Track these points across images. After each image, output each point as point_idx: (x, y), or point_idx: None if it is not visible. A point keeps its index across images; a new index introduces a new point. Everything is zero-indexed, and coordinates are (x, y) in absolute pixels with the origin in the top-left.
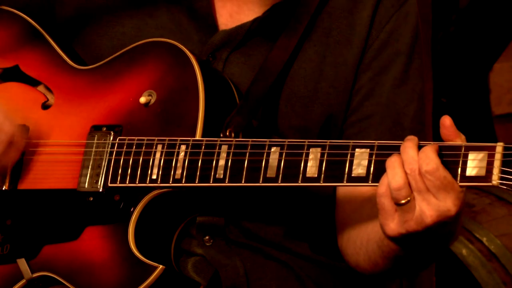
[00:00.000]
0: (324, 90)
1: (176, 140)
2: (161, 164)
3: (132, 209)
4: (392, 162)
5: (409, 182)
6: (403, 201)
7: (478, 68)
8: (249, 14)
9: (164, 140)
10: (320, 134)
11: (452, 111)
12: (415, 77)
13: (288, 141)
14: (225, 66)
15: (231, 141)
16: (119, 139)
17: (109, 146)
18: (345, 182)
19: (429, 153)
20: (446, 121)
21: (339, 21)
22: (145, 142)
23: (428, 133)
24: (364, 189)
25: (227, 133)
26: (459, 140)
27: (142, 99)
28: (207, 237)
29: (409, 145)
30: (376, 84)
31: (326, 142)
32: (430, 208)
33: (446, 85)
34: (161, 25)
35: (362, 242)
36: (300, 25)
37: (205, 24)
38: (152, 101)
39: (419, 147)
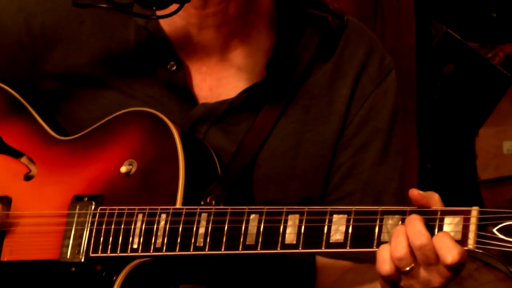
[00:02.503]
0: (301, 167)
1: (157, 209)
2: (142, 233)
3: (114, 278)
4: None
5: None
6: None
7: (464, 133)
8: (228, 88)
9: (145, 209)
10: None
11: (438, 177)
12: (395, 154)
13: (267, 208)
14: (205, 139)
15: (211, 209)
16: (101, 209)
17: (91, 216)
18: (323, 248)
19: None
20: (413, 194)
21: (318, 98)
22: (126, 211)
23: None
24: (343, 262)
25: (208, 201)
26: (433, 202)
27: (123, 169)
28: None
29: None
30: (356, 162)
31: (304, 208)
32: (437, 275)
33: (432, 151)
34: (141, 98)
35: None
36: (278, 103)
37: (184, 97)
38: (133, 170)
39: (395, 212)
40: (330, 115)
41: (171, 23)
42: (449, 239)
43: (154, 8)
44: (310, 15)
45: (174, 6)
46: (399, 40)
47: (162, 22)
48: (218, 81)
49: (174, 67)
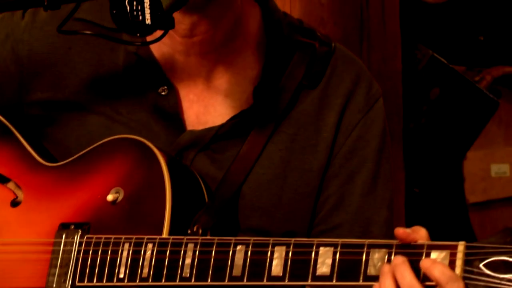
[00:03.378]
0: (287, 196)
1: (143, 238)
2: (128, 263)
3: None
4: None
5: None
6: None
7: (451, 157)
8: (215, 115)
9: (131, 238)
10: None
11: (425, 201)
12: (384, 182)
13: (254, 239)
14: (191, 166)
15: (197, 239)
16: (87, 238)
17: (77, 244)
18: (309, 281)
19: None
20: (399, 232)
21: (305, 126)
22: (112, 240)
23: (400, 225)
24: None
25: (195, 229)
26: (419, 237)
27: (110, 197)
28: None
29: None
30: (345, 193)
31: (290, 240)
32: None
33: (418, 175)
34: (128, 123)
35: None
36: (265, 131)
37: (172, 123)
38: (120, 198)
39: (381, 246)
40: (317, 144)
41: (159, 49)
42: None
43: (138, 34)
44: (297, 42)
45: (159, 33)
46: (385, 65)
47: (152, 47)
48: (205, 108)
49: (165, 92)
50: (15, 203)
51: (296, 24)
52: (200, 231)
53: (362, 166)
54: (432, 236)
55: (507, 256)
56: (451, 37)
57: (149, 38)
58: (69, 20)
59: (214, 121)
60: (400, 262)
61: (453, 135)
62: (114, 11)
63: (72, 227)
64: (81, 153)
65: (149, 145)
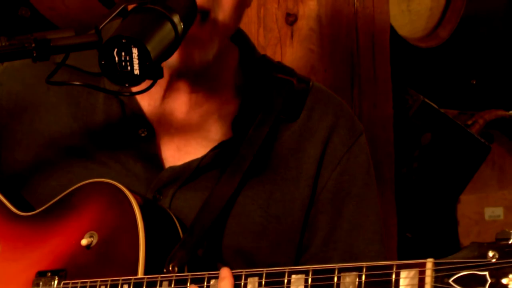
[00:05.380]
0: (271, 227)
1: (118, 280)
2: None
3: None
4: None
5: None
6: None
7: (444, 201)
8: (196, 147)
9: (107, 281)
10: None
11: (418, 246)
12: (372, 216)
13: None
14: (172, 202)
15: (171, 277)
16: (64, 284)
17: None
18: None
19: None
20: None
21: (286, 158)
22: (88, 285)
23: None
24: None
25: (170, 268)
26: None
27: (84, 241)
28: None
29: None
30: (334, 228)
31: (262, 270)
32: None
33: (411, 220)
34: (107, 163)
35: None
36: (246, 161)
37: (152, 163)
38: (94, 242)
39: (351, 269)
40: (299, 176)
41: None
42: None
43: (127, 85)
44: (275, 79)
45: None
46: (376, 110)
47: (132, 89)
48: (186, 141)
49: (145, 133)
50: None
51: (274, 63)
52: (176, 268)
53: (349, 200)
54: None
55: (476, 270)
56: (444, 81)
57: (136, 89)
58: (50, 63)
59: (196, 154)
60: None
61: (446, 179)
62: (103, 62)
63: (49, 274)
64: (55, 199)
65: (121, 188)
